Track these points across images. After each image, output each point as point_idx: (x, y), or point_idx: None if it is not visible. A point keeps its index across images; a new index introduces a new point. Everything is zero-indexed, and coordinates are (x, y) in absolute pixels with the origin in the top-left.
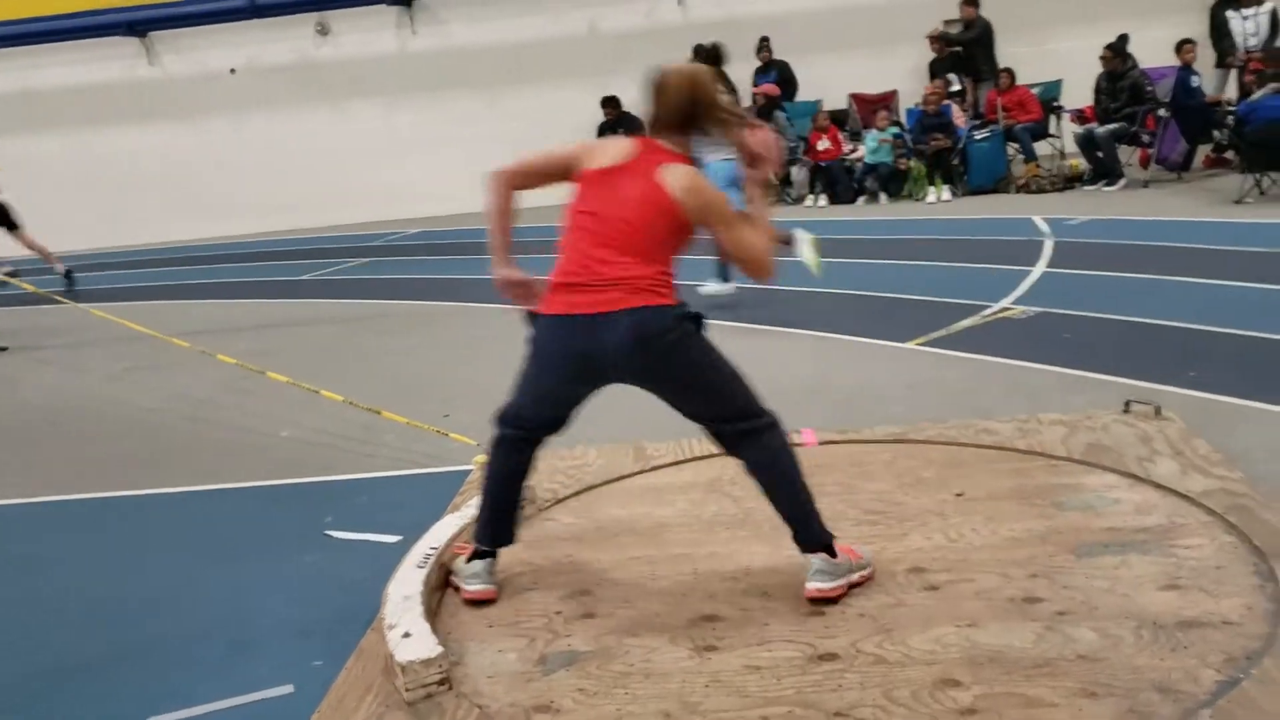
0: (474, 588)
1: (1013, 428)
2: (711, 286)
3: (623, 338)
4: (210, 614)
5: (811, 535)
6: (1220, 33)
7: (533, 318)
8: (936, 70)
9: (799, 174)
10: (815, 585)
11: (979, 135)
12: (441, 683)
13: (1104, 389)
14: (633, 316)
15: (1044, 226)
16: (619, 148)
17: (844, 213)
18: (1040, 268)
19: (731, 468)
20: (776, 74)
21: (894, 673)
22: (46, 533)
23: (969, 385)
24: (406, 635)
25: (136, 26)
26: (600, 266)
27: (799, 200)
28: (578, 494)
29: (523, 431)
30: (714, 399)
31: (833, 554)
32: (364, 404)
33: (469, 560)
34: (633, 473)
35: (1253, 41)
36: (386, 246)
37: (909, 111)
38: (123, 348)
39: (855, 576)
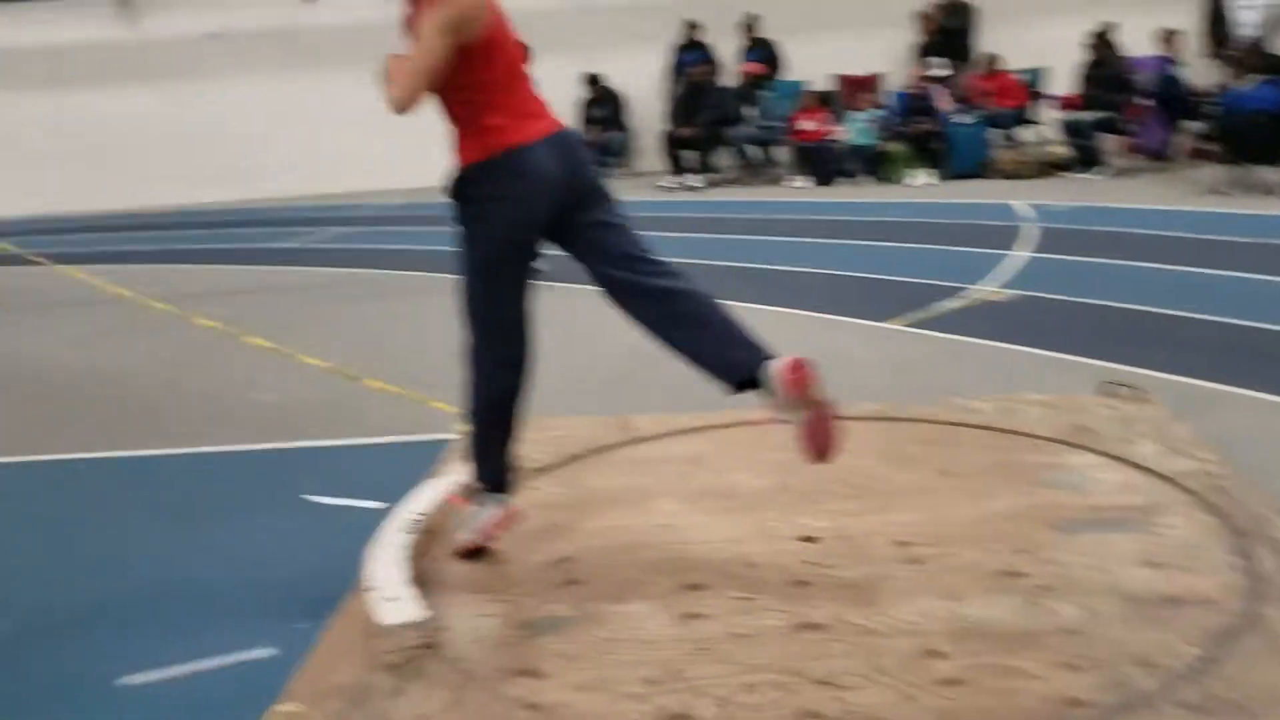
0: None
1: (995, 407)
2: None
3: (586, 152)
4: (187, 576)
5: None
6: (1218, 22)
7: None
8: (923, 53)
9: (782, 154)
10: None
11: (961, 120)
12: (425, 646)
13: (1084, 372)
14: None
15: (1025, 211)
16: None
17: (826, 194)
18: (1021, 252)
19: (717, 442)
20: (761, 53)
21: (878, 643)
22: (10, 495)
23: (949, 366)
24: (389, 599)
25: None
26: (538, 96)
27: (780, 180)
28: (561, 464)
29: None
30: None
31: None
32: (345, 370)
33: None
34: (617, 444)
35: (1248, 32)
36: (370, 216)
37: (898, 95)
38: (94, 311)
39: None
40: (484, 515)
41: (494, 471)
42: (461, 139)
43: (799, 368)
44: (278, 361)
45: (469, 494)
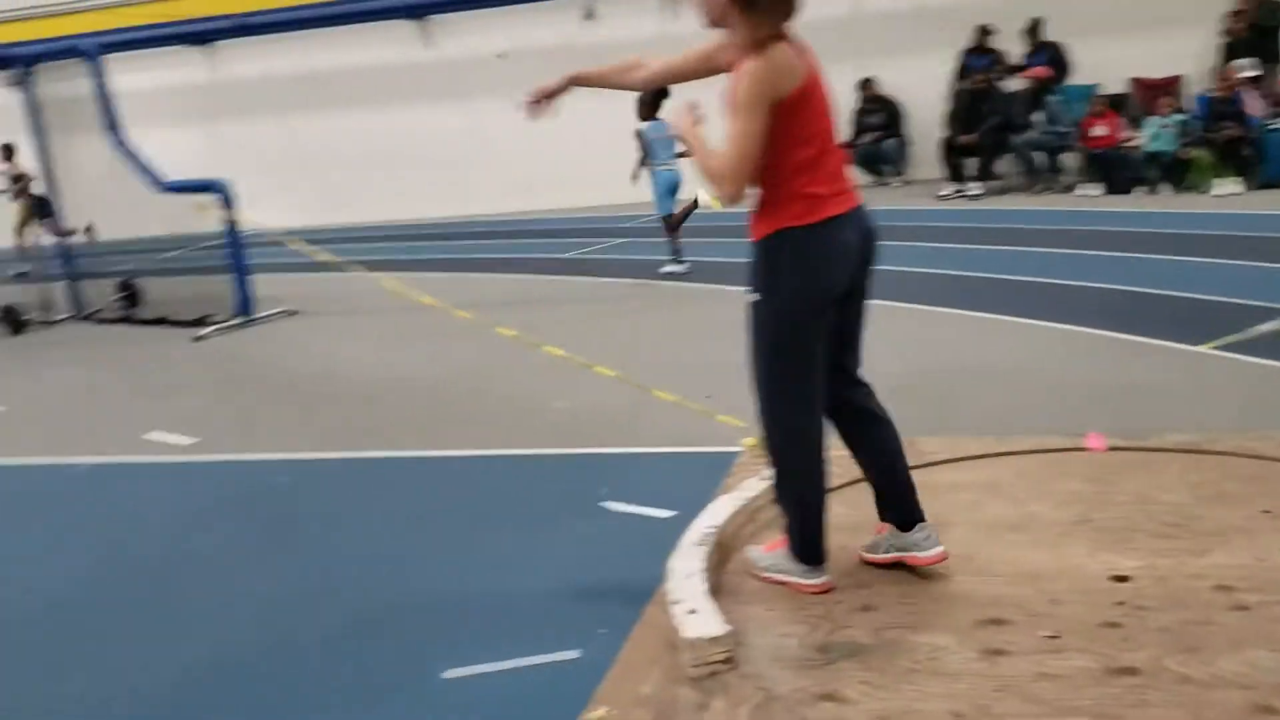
0: (814, 580)
1: None
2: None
3: (874, 226)
4: (490, 576)
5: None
6: None
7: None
8: (1231, 53)
9: (1070, 161)
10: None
11: (1274, 124)
12: (726, 661)
13: None
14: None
15: None
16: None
17: (1121, 203)
18: None
19: (1012, 469)
20: (1048, 56)
21: (1202, 694)
22: (331, 489)
23: (1266, 395)
24: (692, 611)
25: (416, 10)
26: (844, 167)
27: (1069, 189)
28: (850, 484)
29: (808, 415)
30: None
31: None
32: (634, 380)
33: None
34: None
35: None
36: (640, 228)
37: (1197, 98)
38: (400, 317)
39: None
40: (793, 574)
41: (805, 544)
42: (773, 203)
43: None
44: (572, 370)
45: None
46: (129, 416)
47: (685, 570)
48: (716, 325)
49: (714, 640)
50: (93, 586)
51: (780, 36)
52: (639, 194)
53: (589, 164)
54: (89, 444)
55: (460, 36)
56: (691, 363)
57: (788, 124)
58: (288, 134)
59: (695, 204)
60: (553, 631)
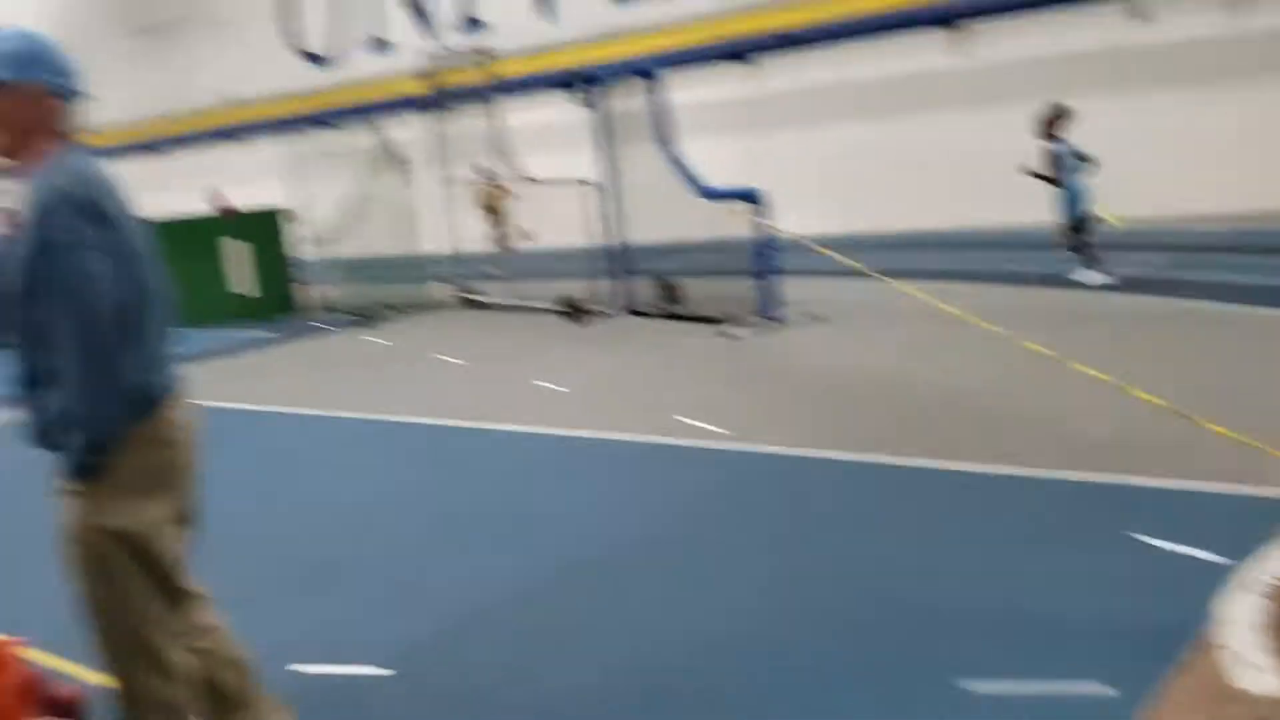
0: None
1: None
2: None
3: None
4: (1017, 596)
5: None
6: None
7: None
8: None
9: None
10: None
11: None
12: None
13: None
14: None
15: None
16: None
17: None
18: None
19: None
20: None
21: None
22: (850, 490)
23: None
24: (1248, 664)
25: (945, 18)
26: None
27: None
28: None
29: None
30: None
31: None
32: (1180, 407)
33: None
34: None
35: None
36: (1192, 244)
37: None
38: (924, 326)
39: None
40: None
41: None
42: None
43: None
44: (1106, 391)
45: None
46: (663, 402)
47: (1240, 619)
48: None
49: (1269, 699)
50: (631, 548)
51: None
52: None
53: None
54: (630, 422)
55: (993, 44)
56: (1250, 393)
57: None
58: (821, 143)
59: (1098, 218)
60: (1082, 661)
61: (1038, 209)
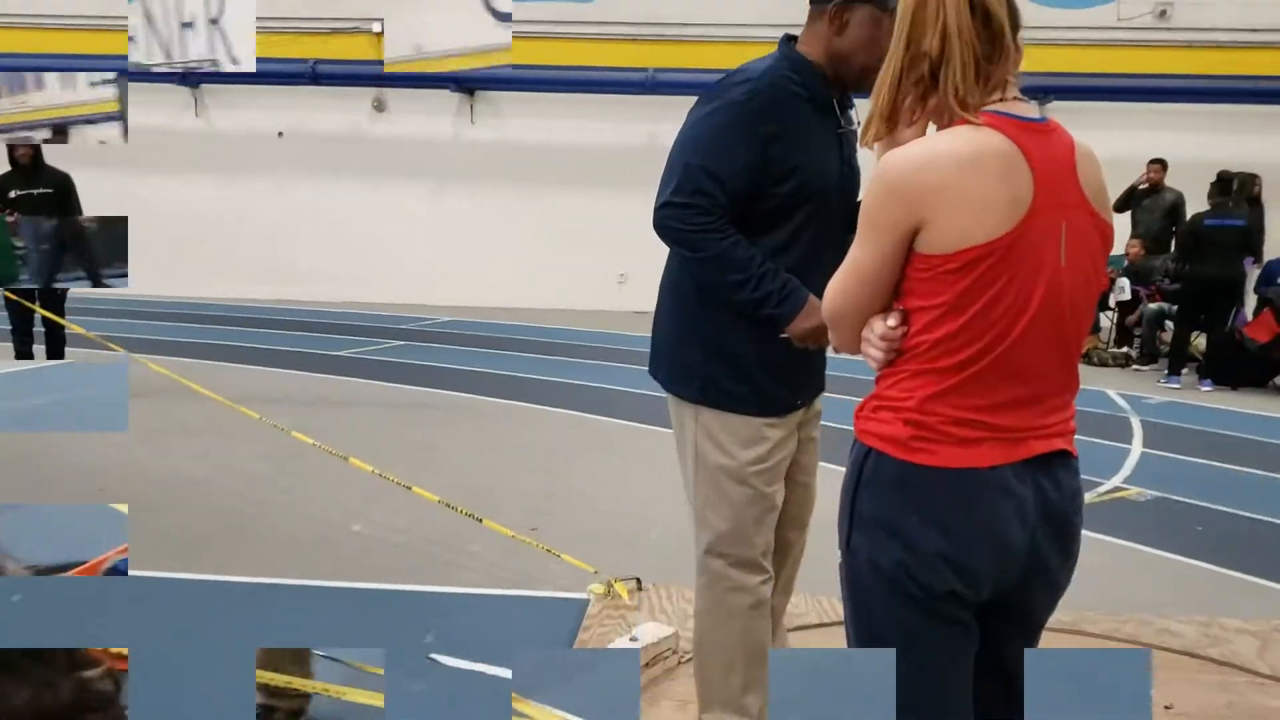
0: None
1: (1196, 631)
2: None
3: None
4: None
5: None
6: None
7: None
8: None
9: None
10: None
11: None
12: None
13: (1266, 596)
14: None
15: (1121, 402)
16: None
17: None
18: (1136, 447)
19: None
20: None
21: None
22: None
23: (1112, 571)
24: None
25: (190, 77)
26: None
27: None
28: None
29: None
30: None
31: None
32: (460, 507)
33: None
34: None
35: None
36: (419, 331)
37: None
38: (152, 403)
39: None
40: None
41: None
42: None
43: None
44: (368, 485)
45: None
46: None
47: None
48: (517, 448)
49: None
50: None
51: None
52: (419, 294)
53: (368, 258)
54: None
55: (235, 109)
56: (504, 489)
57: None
58: None
59: None
60: None
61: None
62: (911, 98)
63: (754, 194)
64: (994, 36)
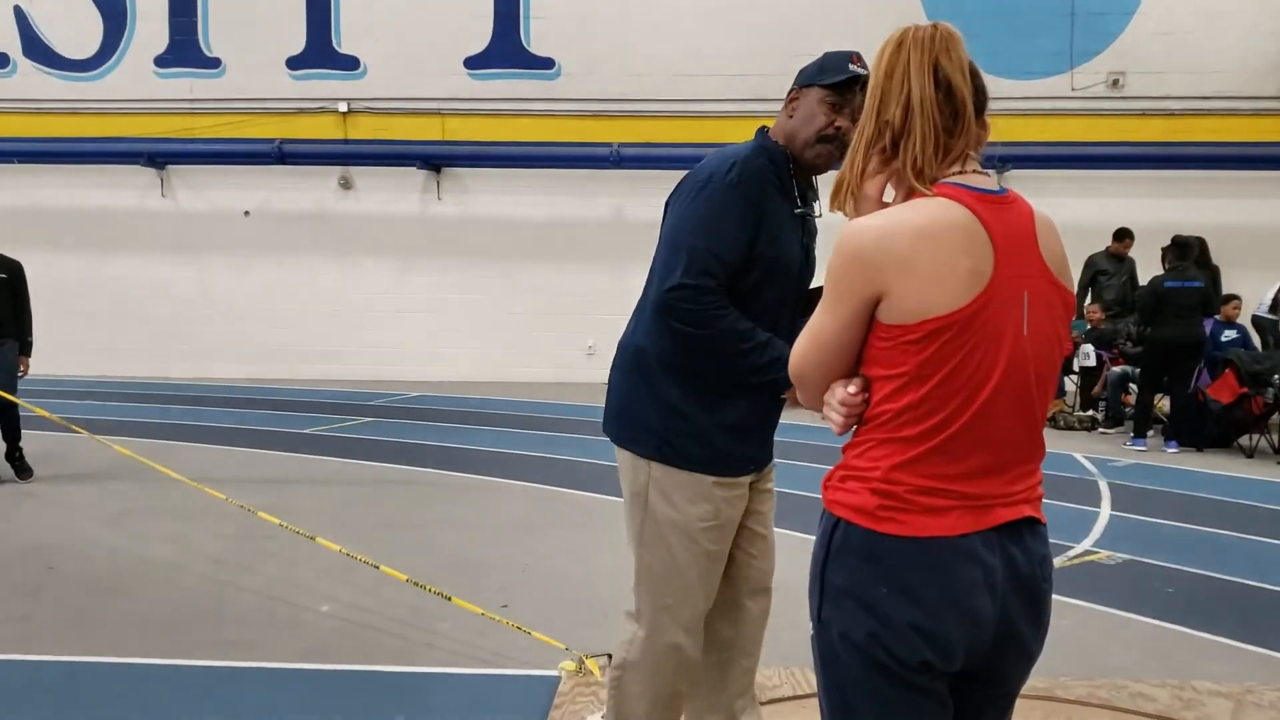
0: None
1: (1170, 695)
2: None
3: None
4: None
5: None
6: None
7: None
8: None
9: None
10: None
11: None
12: None
13: (1237, 657)
14: None
15: (1088, 465)
16: None
17: None
18: (1104, 509)
19: None
20: None
21: None
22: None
23: (1084, 635)
24: None
25: (157, 159)
26: None
27: None
28: None
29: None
30: None
31: None
32: (429, 586)
33: None
34: None
35: None
36: (386, 407)
37: None
38: (118, 485)
39: None
40: None
41: None
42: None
43: None
44: (335, 565)
45: None
46: None
47: None
48: (486, 524)
49: None
50: None
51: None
52: (385, 371)
53: (334, 336)
54: None
55: (201, 189)
56: (474, 565)
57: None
58: None
59: None
60: None
61: (243, 366)
62: (874, 164)
63: (737, 272)
64: (956, 111)
